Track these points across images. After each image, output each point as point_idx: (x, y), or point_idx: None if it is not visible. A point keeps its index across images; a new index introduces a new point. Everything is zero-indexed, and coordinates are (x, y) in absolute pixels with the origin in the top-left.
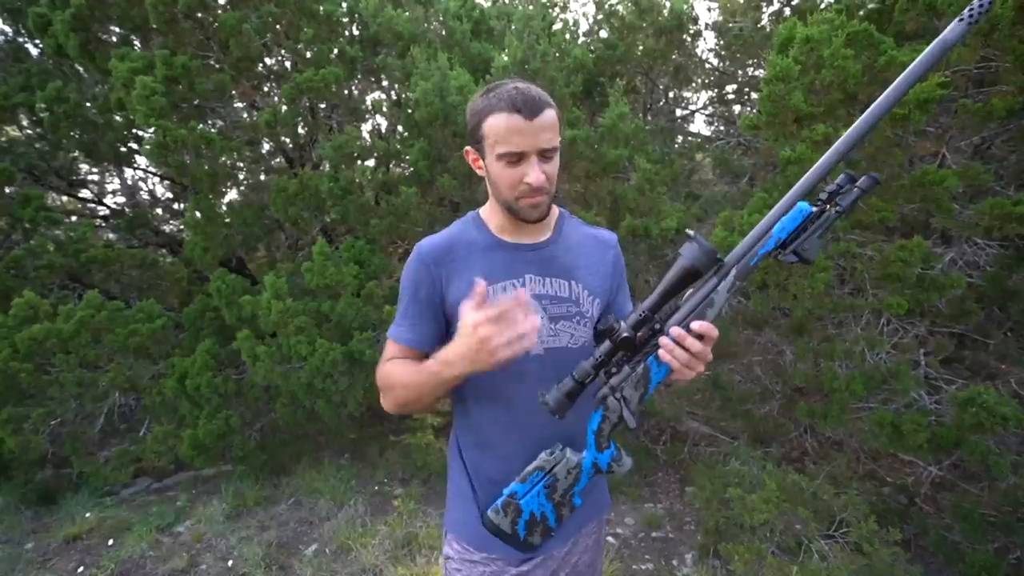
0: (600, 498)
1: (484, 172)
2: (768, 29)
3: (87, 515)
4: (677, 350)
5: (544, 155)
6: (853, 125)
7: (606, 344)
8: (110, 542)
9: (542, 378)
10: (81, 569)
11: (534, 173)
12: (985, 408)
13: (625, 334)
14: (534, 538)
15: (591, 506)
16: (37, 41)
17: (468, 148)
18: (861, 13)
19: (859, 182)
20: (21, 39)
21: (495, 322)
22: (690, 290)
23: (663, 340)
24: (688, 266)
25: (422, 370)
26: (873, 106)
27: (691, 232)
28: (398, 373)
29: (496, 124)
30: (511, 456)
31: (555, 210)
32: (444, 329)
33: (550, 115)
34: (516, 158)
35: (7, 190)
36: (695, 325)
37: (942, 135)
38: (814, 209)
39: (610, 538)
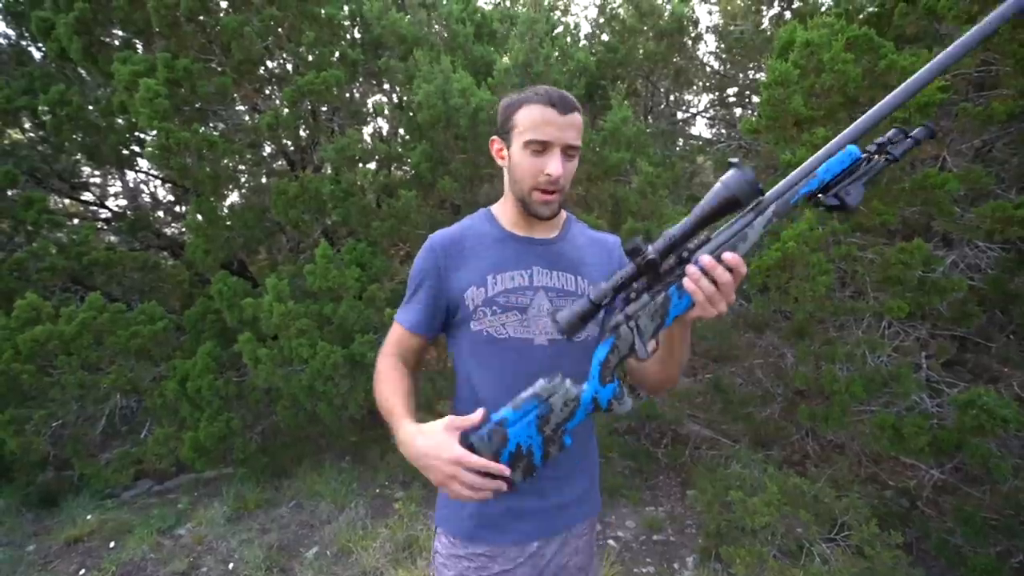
0: (592, 500)
1: (506, 163)
2: (768, 32)
3: (88, 517)
4: (704, 280)
5: (567, 151)
6: (920, 71)
7: (629, 267)
8: (111, 544)
9: (545, 370)
10: (83, 571)
11: (555, 164)
12: (985, 410)
13: (652, 256)
14: (516, 475)
15: (582, 506)
16: (40, 44)
17: (494, 138)
18: (861, 17)
19: (913, 132)
20: (24, 42)
21: (471, 471)
22: (722, 225)
23: (690, 268)
24: (729, 195)
25: (391, 406)
26: (943, 54)
27: (734, 160)
28: (382, 386)
29: (529, 114)
30: None
31: (563, 212)
32: (444, 317)
33: (578, 117)
34: (542, 147)
35: (10, 193)
36: (727, 256)
37: (943, 138)
38: (863, 155)
39: (611, 541)
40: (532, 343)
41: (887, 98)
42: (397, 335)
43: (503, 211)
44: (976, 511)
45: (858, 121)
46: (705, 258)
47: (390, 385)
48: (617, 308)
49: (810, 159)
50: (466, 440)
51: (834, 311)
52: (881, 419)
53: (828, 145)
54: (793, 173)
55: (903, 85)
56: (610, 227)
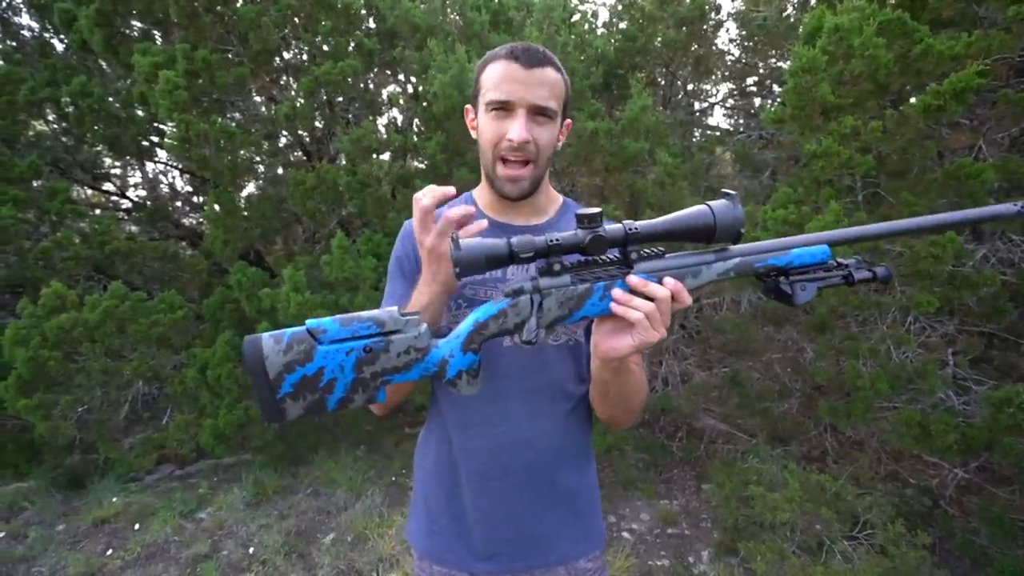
0: (582, 535)
1: (477, 133)
2: (792, 19)
3: (114, 499)
4: (635, 300)
5: (536, 113)
6: (913, 220)
7: (572, 232)
8: (136, 526)
9: (515, 375)
10: (110, 551)
11: (517, 127)
12: (1023, 409)
13: (601, 232)
14: (294, 406)
15: (563, 541)
16: (63, 36)
17: (468, 106)
18: (893, 1)
19: (877, 269)
20: (47, 34)
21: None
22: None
23: (616, 293)
24: (710, 223)
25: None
26: (943, 215)
27: (733, 192)
28: None
29: (492, 72)
30: (470, 454)
31: (559, 198)
32: None
33: (551, 74)
34: (503, 107)
35: (35, 184)
36: (668, 280)
37: (978, 127)
38: (832, 261)
39: (625, 534)
40: (500, 343)
41: (883, 224)
42: None
43: (481, 193)
44: (1004, 511)
45: (849, 230)
46: (633, 278)
47: None
48: (529, 273)
49: (791, 238)
50: (255, 342)
51: (858, 305)
52: (907, 416)
53: (812, 235)
54: (772, 241)
55: (899, 222)
56: (628, 219)
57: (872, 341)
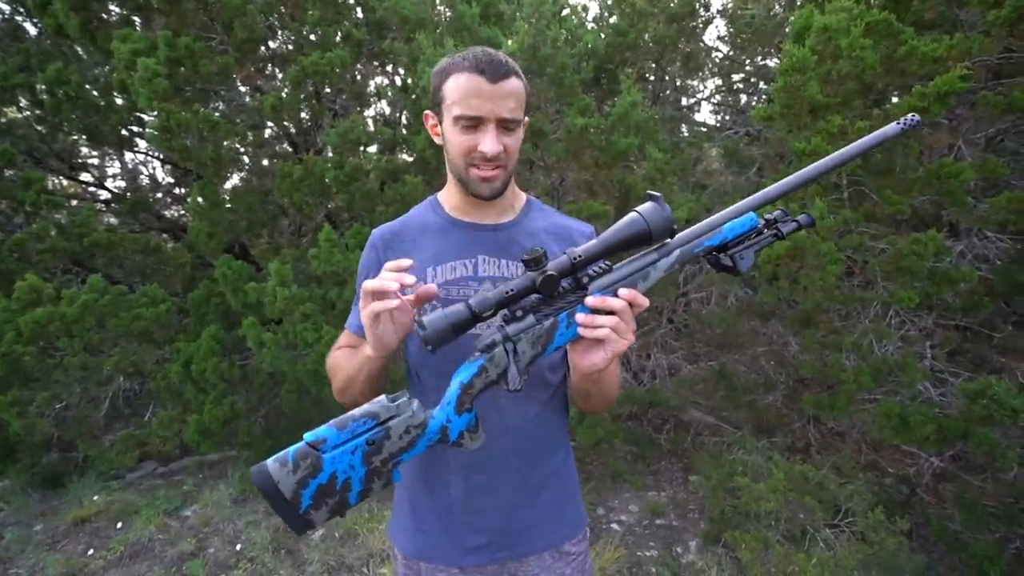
0: (565, 520)
1: (441, 140)
2: (778, 17)
3: (95, 498)
4: (598, 318)
5: (504, 125)
6: (814, 165)
7: (523, 279)
8: (118, 525)
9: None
10: (91, 551)
11: (489, 141)
12: (996, 400)
13: (551, 272)
14: (319, 514)
15: (548, 527)
16: (36, 20)
17: (428, 112)
18: (877, 1)
19: (800, 218)
20: (19, 18)
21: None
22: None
23: (580, 317)
24: (643, 228)
25: (356, 352)
26: (836, 153)
27: (656, 194)
28: (339, 359)
29: (457, 85)
30: (443, 460)
31: (523, 196)
32: None
33: (516, 84)
34: (472, 123)
35: (7, 172)
36: (622, 292)
37: (957, 127)
38: (761, 223)
39: (614, 525)
40: (473, 343)
41: (793, 176)
42: (345, 339)
43: (447, 196)
44: (976, 498)
45: (766, 191)
46: (591, 299)
47: (350, 350)
48: (495, 325)
49: (716, 216)
50: (262, 470)
51: (843, 300)
52: (887, 407)
53: (733, 207)
54: (700, 224)
55: (805, 170)
56: (617, 214)
57: (855, 335)
